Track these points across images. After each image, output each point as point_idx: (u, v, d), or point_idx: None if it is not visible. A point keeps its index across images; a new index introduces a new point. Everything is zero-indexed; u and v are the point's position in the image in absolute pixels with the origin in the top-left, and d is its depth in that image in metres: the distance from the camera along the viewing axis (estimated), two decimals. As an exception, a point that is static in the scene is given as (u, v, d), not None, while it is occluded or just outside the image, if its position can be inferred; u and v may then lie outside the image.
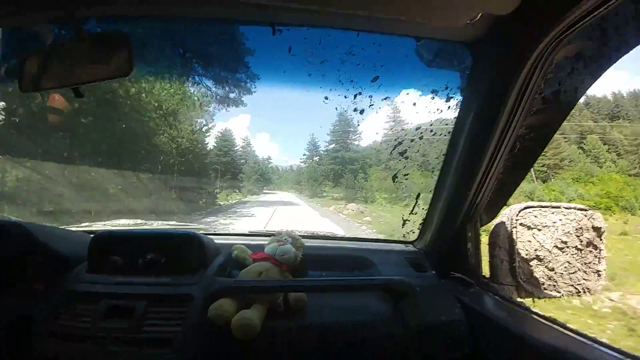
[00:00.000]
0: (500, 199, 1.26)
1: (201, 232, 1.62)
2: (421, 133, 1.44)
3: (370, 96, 1.51)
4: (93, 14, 1.01)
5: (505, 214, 1.27)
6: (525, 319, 1.08)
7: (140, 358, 1.01)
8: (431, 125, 1.37)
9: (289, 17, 1.03)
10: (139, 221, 1.78)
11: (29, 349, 1.03)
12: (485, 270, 1.33)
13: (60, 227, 1.68)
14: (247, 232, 1.87)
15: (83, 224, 1.68)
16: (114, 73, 0.96)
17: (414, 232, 1.67)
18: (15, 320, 1.09)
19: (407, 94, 1.41)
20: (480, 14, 0.88)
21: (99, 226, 1.73)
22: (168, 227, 1.89)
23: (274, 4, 0.94)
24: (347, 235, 1.91)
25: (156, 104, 13.93)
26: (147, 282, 1.17)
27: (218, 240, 1.47)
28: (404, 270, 1.44)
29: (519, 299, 1.27)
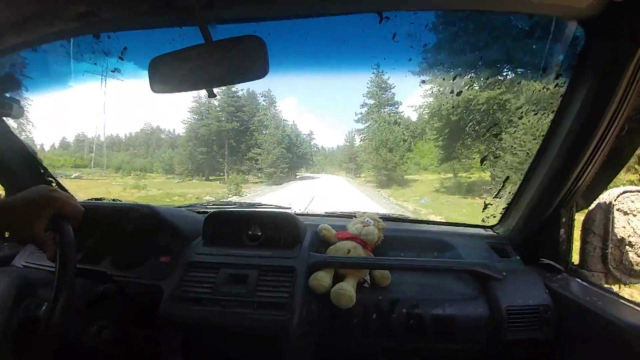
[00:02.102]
0: (600, 184, 1.30)
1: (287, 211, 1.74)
2: (522, 113, 1.44)
3: (471, 77, 1.52)
4: (220, 17, 1.11)
5: (603, 199, 1.35)
6: (616, 305, 1.14)
7: (257, 317, 1.20)
8: (535, 104, 1.36)
9: (396, 3, 1.09)
10: (232, 200, 1.93)
11: (160, 312, 1.25)
12: (574, 257, 1.41)
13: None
14: (324, 213, 2.02)
15: (186, 204, 1.86)
16: (249, 76, 1.04)
17: (494, 217, 1.70)
18: (148, 289, 1.33)
19: (513, 73, 1.41)
20: None
21: (197, 207, 2.00)
22: (259, 206, 2.06)
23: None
24: (425, 219, 1.96)
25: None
26: (254, 255, 1.40)
27: (301, 219, 1.59)
28: (487, 255, 1.54)
29: (606, 286, 1.34)
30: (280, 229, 1.50)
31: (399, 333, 1.28)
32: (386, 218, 1.82)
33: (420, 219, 1.96)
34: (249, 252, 1.41)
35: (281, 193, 21.71)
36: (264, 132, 35.52)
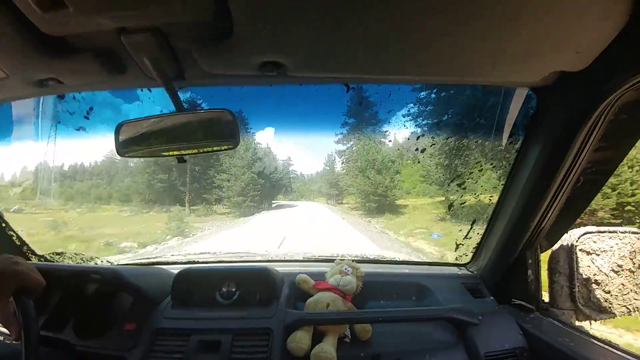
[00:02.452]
0: (562, 227, 1.39)
1: (263, 259, 1.72)
2: (481, 166, 1.53)
3: (433, 137, 1.63)
4: (189, 85, 1.16)
5: (565, 240, 1.44)
6: (586, 344, 1.21)
7: None
8: (492, 158, 1.45)
9: (362, 78, 1.16)
10: (205, 250, 1.93)
11: None
12: (544, 296, 1.46)
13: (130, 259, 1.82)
14: (302, 258, 2.00)
15: (154, 256, 1.81)
16: (220, 146, 1.10)
17: (466, 255, 1.75)
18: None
19: (470, 133, 1.51)
20: (551, 72, 0.99)
21: (169, 257, 1.89)
22: (231, 255, 2.02)
23: (346, 75, 1.10)
24: (399, 259, 1.99)
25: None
26: (228, 317, 1.35)
27: (277, 267, 1.64)
28: (462, 297, 1.59)
29: (577, 323, 1.41)
30: (256, 285, 1.47)
31: None
32: (363, 260, 1.85)
33: (395, 259, 1.99)
34: (222, 313, 1.37)
35: (246, 228, 17.73)
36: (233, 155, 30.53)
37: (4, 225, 1.73)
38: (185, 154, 1.13)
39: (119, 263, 1.87)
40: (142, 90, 1.25)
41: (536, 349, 1.28)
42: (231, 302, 1.44)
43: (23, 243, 1.82)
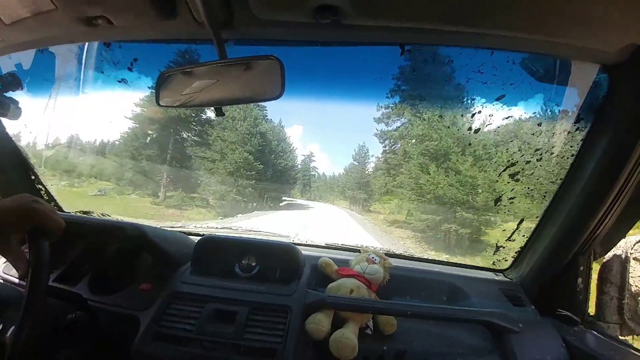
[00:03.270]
0: (619, 232, 1.29)
1: (284, 240, 1.65)
2: (541, 154, 1.43)
3: (491, 115, 1.55)
4: (239, 37, 1.11)
5: (620, 247, 1.35)
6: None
7: None
8: (554, 147, 1.36)
9: (418, 37, 1.09)
10: (226, 225, 1.85)
11: (134, 350, 1.13)
12: (591, 307, 1.37)
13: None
14: (324, 244, 1.95)
15: (177, 225, 1.75)
16: (263, 96, 1.04)
17: (506, 260, 1.65)
18: (125, 319, 1.22)
19: (533, 113, 1.42)
20: (628, 44, 0.95)
21: (191, 228, 1.81)
22: (253, 233, 1.96)
23: (405, 25, 0.99)
24: (432, 258, 1.89)
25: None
26: (247, 289, 1.29)
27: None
28: (501, 303, 1.47)
29: (621, 337, 1.30)
30: (278, 261, 1.42)
31: None
32: (392, 255, 1.76)
33: (427, 257, 1.89)
34: (240, 284, 1.31)
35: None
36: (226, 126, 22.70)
37: (33, 178, 1.77)
38: (226, 104, 1.09)
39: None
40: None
41: None
42: (251, 275, 1.39)
43: (51, 198, 1.86)
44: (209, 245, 1.46)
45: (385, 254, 1.60)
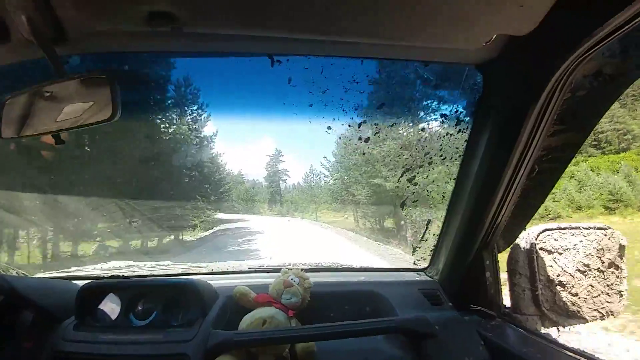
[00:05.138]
0: (519, 223, 1.25)
1: (198, 271, 1.56)
2: (430, 158, 1.42)
3: (376, 124, 1.50)
4: (76, 51, 1.00)
5: (523, 238, 1.27)
6: (554, 354, 1.08)
7: None
8: (441, 149, 1.35)
9: (288, 47, 1.03)
10: (131, 263, 1.72)
11: None
12: (506, 300, 1.32)
13: (47, 273, 1.61)
14: (247, 269, 1.80)
15: (72, 269, 1.61)
16: (98, 118, 0.90)
17: (425, 260, 1.63)
18: None
19: (415, 119, 1.41)
20: (494, 36, 0.88)
21: (89, 270, 1.66)
22: (162, 269, 1.80)
23: (272, 35, 0.92)
24: (354, 265, 1.85)
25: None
26: (138, 341, 1.14)
27: (215, 280, 1.44)
28: (420, 305, 1.41)
29: (543, 330, 1.25)
30: (179, 301, 1.26)
31: None
32: (315, 269, 1.70)
33: (350, 266, 1.85)
34: (133, 336, 1.16)
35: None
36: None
37: None
38: (63, 131, 0.95)
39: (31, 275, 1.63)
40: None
41: (499, 359, 1.13)
42: (147, 322, 1.23)
43: None
44: (94, 292, 1.27)
45: (309, 270, 1.51)
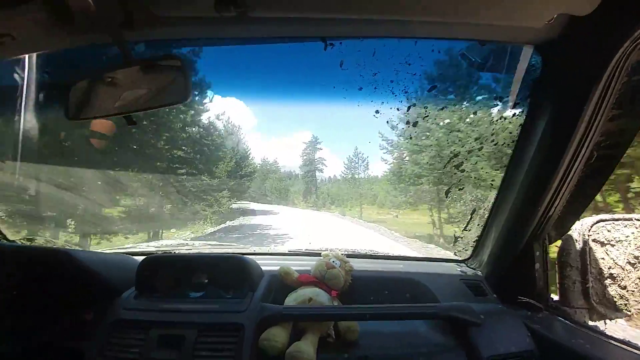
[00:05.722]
0: (573, 213, 1.24)
1: (242, 251, 1.60)
2: (481, 144, 1.40)
3: (426, 107, 1.50)
4: (142, 37, 1.05)
5: (576, 230, 1.29)
6: (602, 345, 1.07)
7: None
8: (493, 134, 1.33)
9: (342, 29, 1.04)
10: (180, 241, 1.80)
11: None
12: (554, 292, 1.33)
13: (105, 250, 1.70)
14: (287, 252, 1.88)
15: (127, 246, 1.69)
16: (170, 100, 0.97)
17: (466, 250, 1.62)
18: (67, 354, 1.15)
19: (467, 102, 1.39)
20: (556, 15, 0.89)
21: (143, 247, 1.75)
22: (209, 247, 1.88)
23: (325, 16, 0.94)
24: (395, 254, 1.86)
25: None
26: (195, 310, 1.22)
27: (258, 260, 1.50)
28: (462, 295, 1.43)
29: (591, 323, 1.26)
30: (229, 276, 1.34)
31: None
32: (354, 255, 1.72)
33: (388, 254, 1.86)
34: (189, 305, 1.24)
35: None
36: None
37: None
38: (134, 111, 1.01)
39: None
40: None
41: (546, 351, 1.13)
42: (201, 293, 1.31)
43: None
44: (153, 265, 1.37)
45: (348, 255, 1.55)
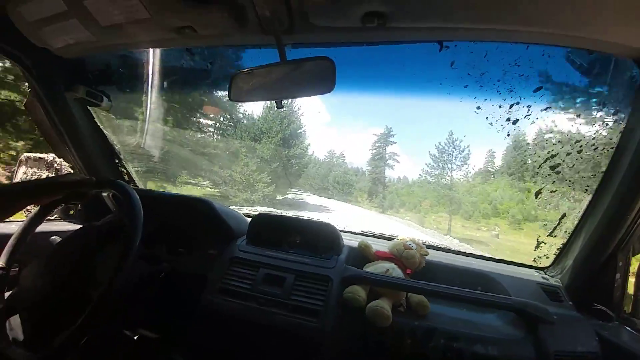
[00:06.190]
0: None
1: None
2: (581, 146, 1.42)
3: (529, 106, 1.57)
4: (296, 41, 1.26)
5: None
6: None
7: (289, 321, 1.27)
8: (594, 139, 1.35)
9: (458, 35, 1.16)
10: (273, 210, 2.09)
11: (203, 300, 1.39)
12: (627, 303, 1.34)
13: None
14: (361, 232, 2.07)
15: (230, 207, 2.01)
16: (316, 91, 1.21)
17: (547, 258, 1.63)
18: (194, 277, 1.47)
19: (571, 104, 1.43)
20: None
21: (244, 210, 2.18)
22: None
23: (447, 25, 1.08)
24: (472, 252, 1.91)
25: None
26: (293, 259, 1.49)
27: None
28: (537, 297, 1.45)
29: None
30: (320, 238, 1.59)
31: None
32: (430, 246, 1.81)
33: (464, 251, 1.91)
34: (287, 255, 1.51)
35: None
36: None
37: (117, 161, 2.10)
38: (284, 99, 1.30)
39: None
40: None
41: (610, 356, 1.18)
42: (296, 248, 1.58)
43: (131, 179, 2.19)
44: (263, 220, 1.69)
45: (427, 246, 1.68)
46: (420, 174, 31.69)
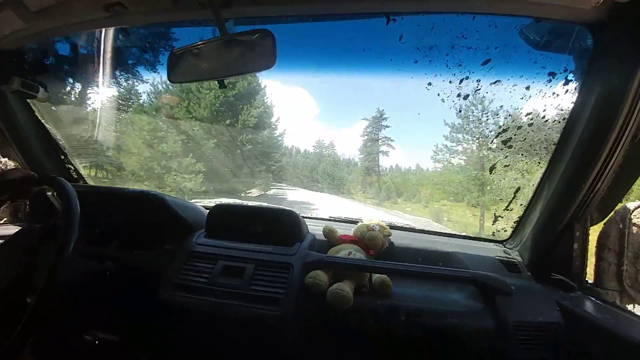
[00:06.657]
0: (616, 195, 1.27)
1: None
2: (531, 119, 1.44)
3: (479, 80, 1.57)
4: (236, 16, 1.21)
5: (618, 213, 1.32)
6: (631, 323, 1.12)
7: (249, 311, 1.23)
8: (544, 110, 1.38)
9: (404, 6, 1.14)
10: (237, 201, 2.02)
11: (157, 297, 1.31)
12: (589, 274, 1.37)
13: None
14: (328, 217, 2.06)
15: (192, 200, 1.94)
16: (258, 66, 1.17)
17: (505, 231, 1.67)
18: (150, 275, 1.39)
19: (520, 76, 1.44)
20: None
21: (205, 202, 2.07)
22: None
23: None
24: (433, 229, 1.94)
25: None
26: (253, 249, 1.44)
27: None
28: (496, 270, 1.49)
29: (620, 305, 1.30)
30: (282, 226, 1.54)
31: (397, 343, 1.28)
32: (393, 227, 1.82)
33: (429, 229, 1.94)
34: (248, 246, 1.46)
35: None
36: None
37: (62, 158, 1.97)
38: (227, 77, 1.24)
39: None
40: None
41: (574, 326, 1.20)
42: (258, 238, 1.52)
43: (80, 176, 2.07)
44: (221, 211, 1.62)
45: (388, 226, 1.68)
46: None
